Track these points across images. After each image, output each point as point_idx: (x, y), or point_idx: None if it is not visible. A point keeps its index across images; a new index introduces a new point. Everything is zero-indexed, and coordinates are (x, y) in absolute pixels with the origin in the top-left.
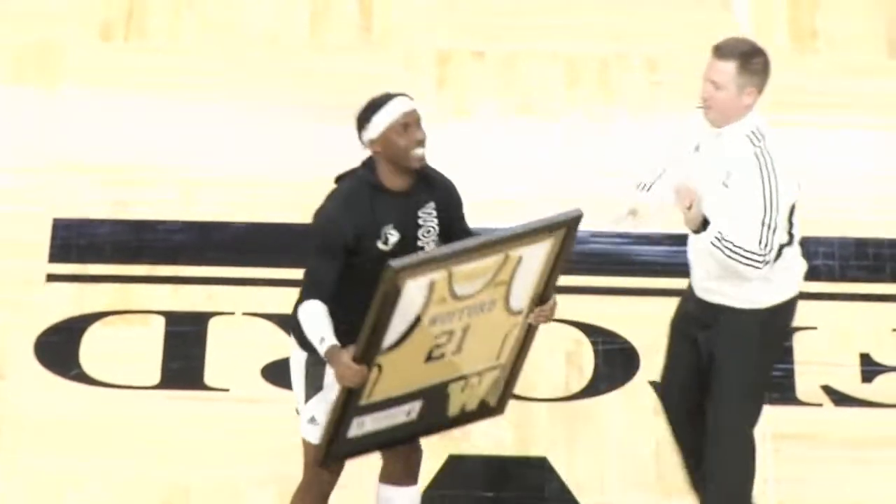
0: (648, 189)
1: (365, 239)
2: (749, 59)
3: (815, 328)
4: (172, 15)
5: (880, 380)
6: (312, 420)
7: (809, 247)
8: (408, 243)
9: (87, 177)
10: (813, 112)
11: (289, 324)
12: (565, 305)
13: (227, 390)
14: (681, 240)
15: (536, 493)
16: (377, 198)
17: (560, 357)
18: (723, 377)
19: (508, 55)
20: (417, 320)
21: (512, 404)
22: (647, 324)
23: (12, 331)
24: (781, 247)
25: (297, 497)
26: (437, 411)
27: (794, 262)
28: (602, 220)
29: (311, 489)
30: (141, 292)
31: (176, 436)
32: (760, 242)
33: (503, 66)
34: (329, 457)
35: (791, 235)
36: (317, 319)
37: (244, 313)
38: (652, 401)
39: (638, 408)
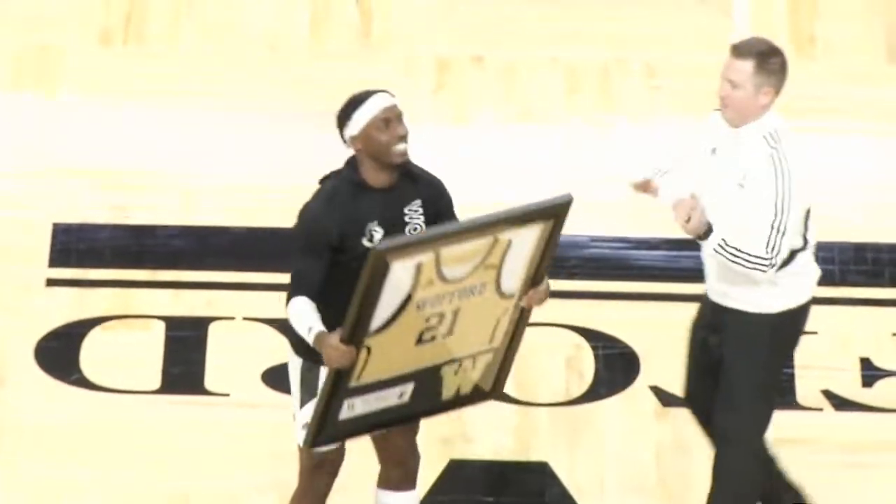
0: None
1: (349, 237)
2: (767, 58)
3: (815, 333)
4: (171, 20)
5: (880, 384)
6: (307, 426)
7: None
8: None
9: (87, 181)
10: (812, 118)
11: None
12: (565, 310)
13: (227, 395)
14: (679, 245)
15: (537, 498)
16: (361, 195)
17: (560, 362)
18: (731, 380)
19: (508, 61)
20: (406, 303)
21: (512, 409)
22: (647, 328)
23: (12, 336)
24: (795, 252)
25: None
26: (430, 394)
27: (808, 267)
28: (604, 223)
29: (306, 495)
30: (141, 297)
31: (176, 441)
32: (768, 245)
33: (503, 73)
34: (318, 439)
35: (806, 240)
36: (304, 313)
37: (244, 318)
38: (652, 405)
39: (638, 412)
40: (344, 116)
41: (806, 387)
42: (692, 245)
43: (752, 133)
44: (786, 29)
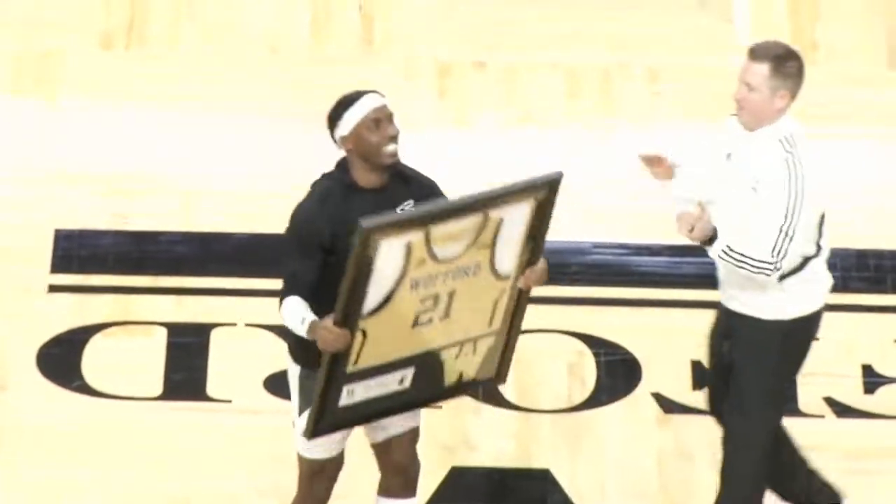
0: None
1: (341, 238)
2: (783, 61)
3: (817, 339)
4: (172, 24)
5: (882, 391)
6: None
7: None
8: None
9: (89, 187)
10: (814, 123)
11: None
12: (566, 316)
13: (229, 401)
14: (681, 251)
15: None
16: (352, 196)
17: (562, 368)
18: (741, 385)
19: (509, 65)
20: (397, 283)
21: (514, 416)
22: (648, 335)
23: (14, 341)
24: (808, 258)
25: None
26: (432, 380)
27: (821, 274)
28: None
29: (305, 502)
30: (143, 303)
31: (178, 447)
32: (774, 249)
33: (504, 77)
34: (319, 427)
35: (819, 247)
36: (297, 308)
37: (246, 324)
38: (654, 412)
39: (640, 419)
40: (334, 116)
41: (808, 394)
42: (694, 251)
43: (768, 137)
44: (787, 33)
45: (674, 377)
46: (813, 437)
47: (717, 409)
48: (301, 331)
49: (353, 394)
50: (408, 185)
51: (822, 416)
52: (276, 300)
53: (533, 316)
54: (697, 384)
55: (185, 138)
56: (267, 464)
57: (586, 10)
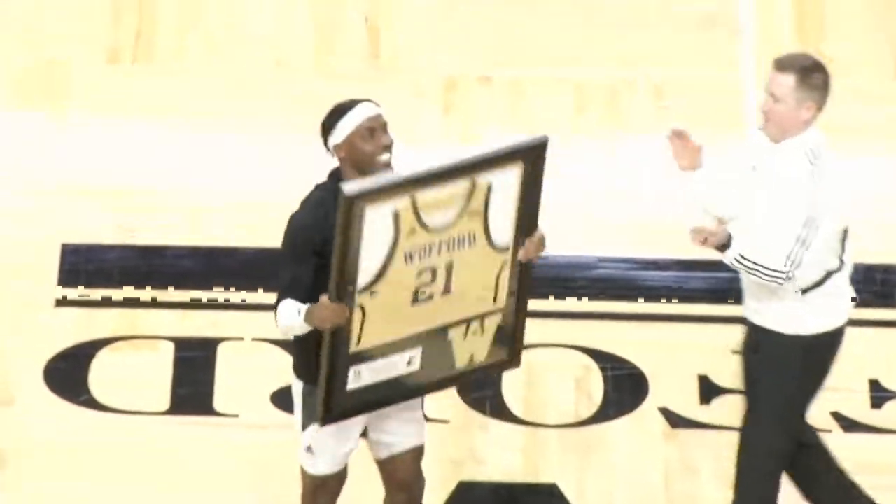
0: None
1: (332, 244)
2: (809, 73)
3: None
4: (179, 39)
5: (889, 406)
6: (309, 449)
7: None
8: None
9: (95, 202)
10: None
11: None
12: (573, 331)
13: (236, 416)
14: (688, 266)
15: None
16: None
17: (569, 383)
18: (758, 394)
19: (515, 81)
20: (390, 255)
21: (521, 430)
22: (655, 349)
23: (21, 356)
24: (831, 272)
25: None
26: (442, 362)
27: (843, 289)
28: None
29: None
30: (149, 318)
31: (185, 461)
32: (788, 257)
33: (510, 92)
34: (330, 414)
35: (842, 262)
36: (291, 305)
37: (253, 339)
38: (661, 426)
39: (647, 433)
40: (328, 124)
41: (815, 408)
42: (701, 266)
43: (793, 148)
44: (793, 48)
45: (680, 392)
46: None
47: None
48: (298, 322)
49: (360, 376)
50: None
51: (830, 431)
52: None
53: (539, 331)
54: (704, 399)
55: (191, 152)
56: (273, 478)
57: (592, 25)
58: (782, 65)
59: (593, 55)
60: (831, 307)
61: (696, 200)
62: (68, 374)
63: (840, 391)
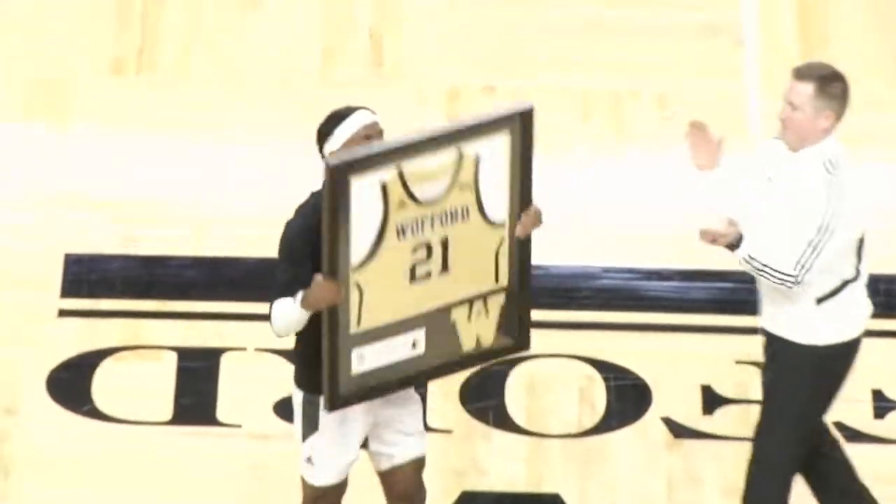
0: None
1: None
2: (828, 82)
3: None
4: (183, 50)
5: (893, 416)
6: (309, 460)
7: None
8: None
9: (99, 212)
10: None
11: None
12: (577, 341)
13: (239, 426)
14: (691, 276)
15: None
16: None
17: (572, 393)
18: (770, 405)
19: (519, 90)
20: (382, 229)
21: (524, 440)
22: (658, 359)
23: (24, 366)
24: (846, 282)
25: None
26: (447, 344)
27: (860, 299)
28: (615, 253)
29: None
30: (152, 328)
31: (187, 471)
32: (799, 262)
33: (514, 101)
34: (337, 399)
35: (858, 271)
36: (287, 302)
37: (256, 349)
38: (664, 437)
39: (650, 444)
40: (325, 131)
41: None
42: (703, 277)
43: (811, 158)
44: (796, 57)
45: (683, 402)
46: None
47: None
48: (296, 312)
49: (363, 359)
50: None
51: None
52: None
53: (543, 341)
54: (707, 409)
55: (194, 163)
56: (277, 488)
57: (596, 35)
58: (801, 73)
59: (597, 65)
60: (847, 317)
61: (709, 202)
62: (71, 384)
63: (843, 401)
